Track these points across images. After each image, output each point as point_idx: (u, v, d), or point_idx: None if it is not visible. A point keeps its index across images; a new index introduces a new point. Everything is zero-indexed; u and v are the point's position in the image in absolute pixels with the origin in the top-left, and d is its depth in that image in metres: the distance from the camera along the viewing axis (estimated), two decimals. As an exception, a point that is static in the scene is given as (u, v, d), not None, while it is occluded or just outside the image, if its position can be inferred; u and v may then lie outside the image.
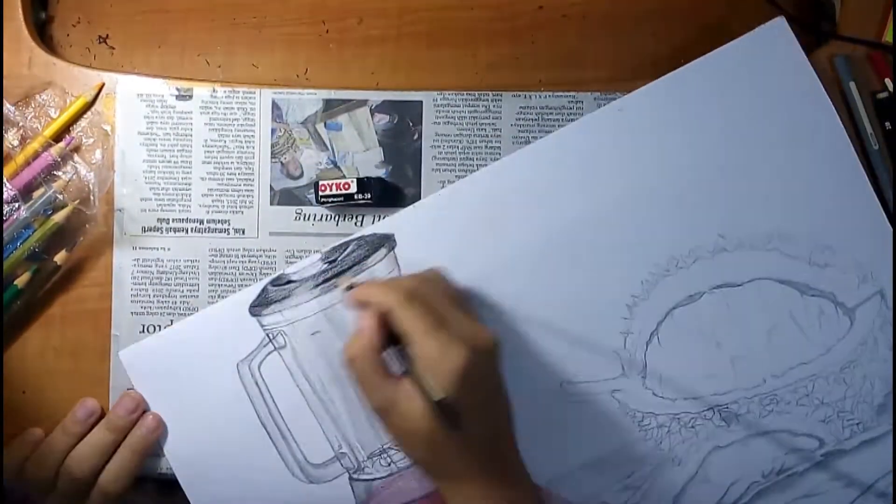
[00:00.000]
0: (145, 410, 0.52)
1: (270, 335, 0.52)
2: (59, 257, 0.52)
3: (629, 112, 0.52)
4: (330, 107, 0.53)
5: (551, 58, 0.55)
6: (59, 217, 0.51)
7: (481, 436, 0.43)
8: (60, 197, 0.51)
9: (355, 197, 0.51)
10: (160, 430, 0.52)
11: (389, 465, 0.52)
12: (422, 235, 0.52)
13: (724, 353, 0.52)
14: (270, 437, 0.52)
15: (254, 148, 0.53)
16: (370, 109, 0.53)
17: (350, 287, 0.47)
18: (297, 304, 0.51)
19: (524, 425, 0.51)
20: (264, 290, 0.52)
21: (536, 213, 0.52)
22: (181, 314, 0.53)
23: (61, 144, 0.52)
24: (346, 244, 0.52)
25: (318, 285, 0.51)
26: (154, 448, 0.52)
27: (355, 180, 0.51)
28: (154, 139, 0.53)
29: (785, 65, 0.52)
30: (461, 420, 0.41)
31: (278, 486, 0.52)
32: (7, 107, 0.52)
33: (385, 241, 0.52)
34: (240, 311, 0.52)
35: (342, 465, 0.52)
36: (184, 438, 0.52)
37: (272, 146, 0.53)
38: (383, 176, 0.53)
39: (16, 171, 0.51)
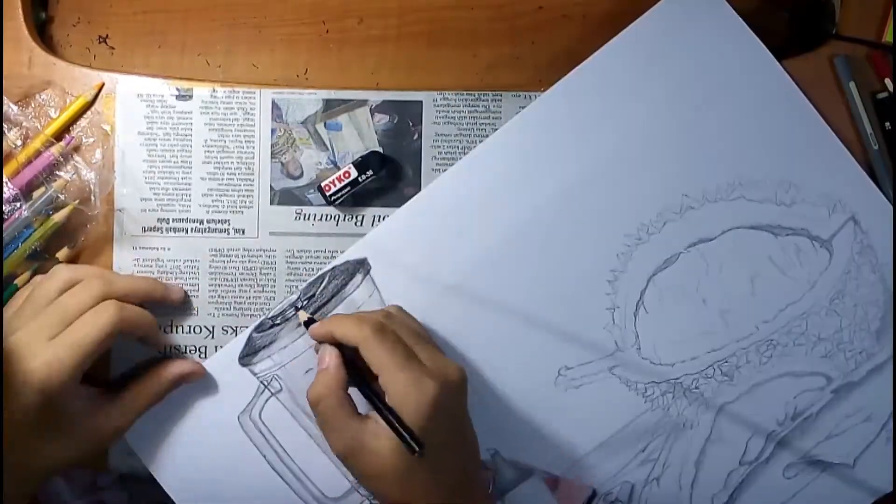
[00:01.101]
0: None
1: (265, 382, 0.52)
2: (61, 256, 0.52)
3: (574, 91, 0.52)
4: (330, 107, 0.54)
5: (551, 58, 0.55)
6: (59, 217, 0.51)
7: (451, 468, 0.43)
8: (61, 197, 0.51)
9: (360, 179, 0.51)
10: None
11: (406, 485, 0.52)
12: (395, 252, 0.52)
13: (711, 309, 0.52)
14: (285, 482, 0.52)
15: (254, 148, 0.54)
16: (370, 109, 0.54)
17: (309, 322, 0.47)
18: (284, 345, 0.52)
19: (529, 419, 0.52)
20: (249, 338, 0.52)
21: (502, 207, 0.52)
22: (181, 314, 0.53)
23: (62, 144, 0.52)
24: (322, 277, 0.53)
25: (300, 324, 0.52)
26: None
27: (351, 165, 0.51)
28: (154, 139, 0.54)
29: (711, 15, 0.52)
30: (430, 453, 0.41)
31: (302, 528, 0.52)
32: (9, 106, 0.52)
33: (359, 267, 0.52)
34: (230, 364, 0.52)
35: (360, 493, 0.52)
36: (198, 496, 0.52)
37: (272, 146, 0.54)
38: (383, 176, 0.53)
39: (17, 170, 0.51)
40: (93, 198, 0.52)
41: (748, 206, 0.52)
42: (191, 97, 0.54)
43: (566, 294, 0.52)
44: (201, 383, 0.52)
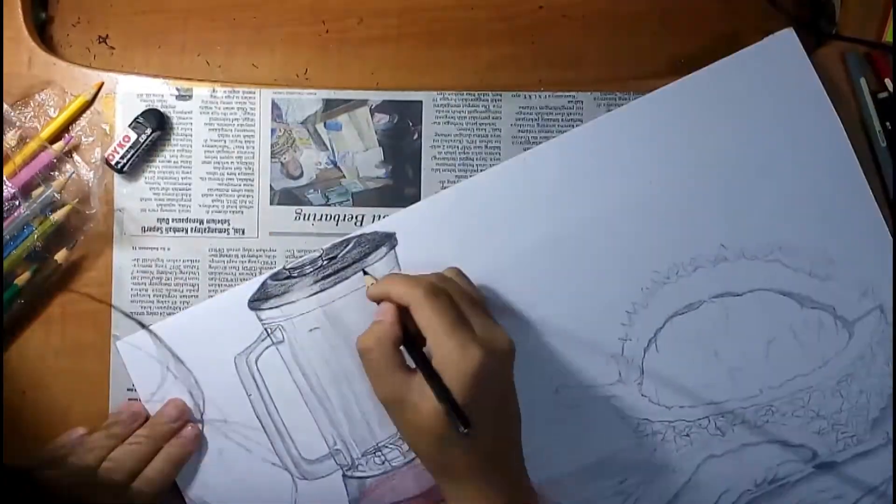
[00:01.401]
0: (188, 421, 0.51)
1: (269, 330, 0.52)
2: (60, 256, 0.51)
3: (635, 117, 0.52)
4: (330, 107, 0.53)
5: (551, 58, 0.54)
6: (58, 216, 0.51)
7: (489, 439, 0.43)
8: (58, 196, 0.51)
9: (141, 140, 0.51)
10: (198, 442, 0.51)
11: (383, 463, 0.52)
12: (423, 235, 0.52)
13: (722, 363, 0.52)
14: (265, 432, 0.52)
15: (254, 148, 0.53)
16: (370, 109, 0.53)
17: (372, 282, 0.47)
18: (296, 299, 0.51)
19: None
20: (264, 284, 0.52)
21: (538, 216, 0.52)
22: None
23: (60, 143, 0.52)
24: (348, 241, 0.52)
25: (317, 281, 0.51)
26: (189, 458, 0.51)
27: (128, 128, 0.51)
28: (154, 139, 0.53)
29: (792, 76, 0.51)
30: (471, 422, 0.41)
31: (271, 480, 0.52)
32: (5, 107, 0.52)
33: (386, 240, 0.52)
34: (239, 305, 0.52)
35: (336, 461, 0.52)
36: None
37: (272, 146, 0.53)
38: (382, 176, 0.53)
39: (14, 170, 0.51)
40: (91, 197, 0.51)
41: (782, 271, 0.51)
42: (191, 97, 0.53)
43: (583, 315, 0.52)
44: (207, 320, 0.52)
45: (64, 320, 0.53)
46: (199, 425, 0.52)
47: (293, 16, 0.55)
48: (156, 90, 0.53)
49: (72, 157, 0.52)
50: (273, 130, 0.53)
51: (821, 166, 0.51)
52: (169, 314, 0.53)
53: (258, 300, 0.52)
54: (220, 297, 0.52)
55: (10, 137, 0.51)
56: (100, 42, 0.55)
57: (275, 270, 0.52)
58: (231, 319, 0.52)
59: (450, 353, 0.42)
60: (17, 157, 0.51)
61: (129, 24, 0.55)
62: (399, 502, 0.52)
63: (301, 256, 0.53)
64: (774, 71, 0.51)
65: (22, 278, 0.51)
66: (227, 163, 0.53)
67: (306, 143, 0.53)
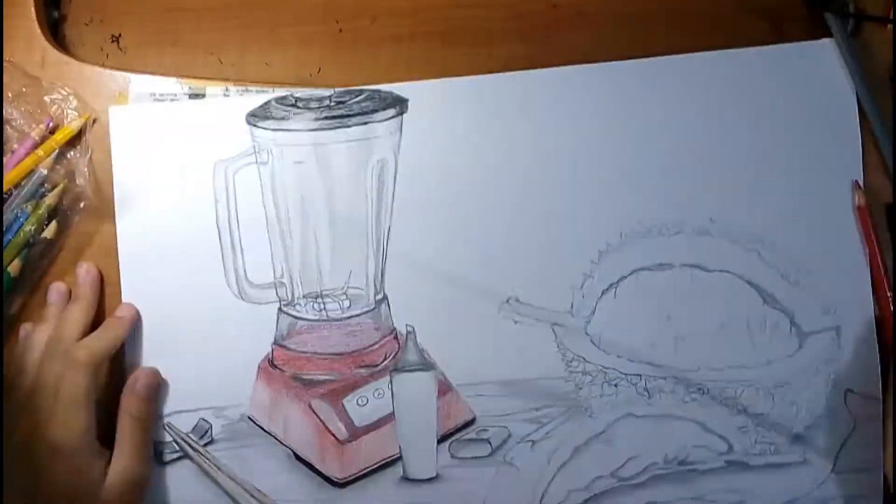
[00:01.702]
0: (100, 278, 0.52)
1: (257, 148, 0.52)
2: (49, 231, 0.52)
3: (667, 72, 0.52)
4: None
5: (566, 57, 0.54)
6: (51, 198, 0.52)
7: None
8: (45, 171, 0.51)
9: None
10: (133, 312, 0.52)
11: (321, 311, 0.52)
12: (435, 112, 0.52)
13: (671, 328, 0.52)
14: (220, 243, 0.52)
15: None
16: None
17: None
18: (293, 128, 0.52)
19: (458, 325, 0.52)
20: (267, 103, 0.52)
21: (549, 130, 0.52)
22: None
23: (41, 126, 0.52)
24: (361, 91, 0.53)
25: (319, 119, 0.52)
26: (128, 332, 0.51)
27: None
28: None
29: (825, 85, 0.52)
30: None
31: (210, 292, 0.52)
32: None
33: (398, 103, 0.52)
34: (237, 114, 0.52)
35: (277, 293, 0.52)
36: (140, 212, 0.52)
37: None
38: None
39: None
40: (77, 174, 0.52)
41: (757, 262, 0.52)
42: (203, 96, 0.53)
43: (557, 238, 0.52)
44: (202, 118, 0.52)
45: None
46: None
47: (306, 15, 0.55)
48: (168, 89, 0.53)
49: (54, 137, 0.52)
50: None
51: (827, 181, 0.52)
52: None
53: (257, 116, 0.52)
54: (222, 100, 0.52)
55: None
56: (112, 41, 0.55)
57: (282, 94, 0.52)
58: (225, 125, 0.52)
59: None
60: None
61: (141, 23, 0.55)
62: (323, 353, 0.52)
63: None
64: (809, 73, 0.52)
65: (14, 266, 0.51)
66: None
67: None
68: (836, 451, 0.52)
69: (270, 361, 0.52)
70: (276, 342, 0.52)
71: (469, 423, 0.52)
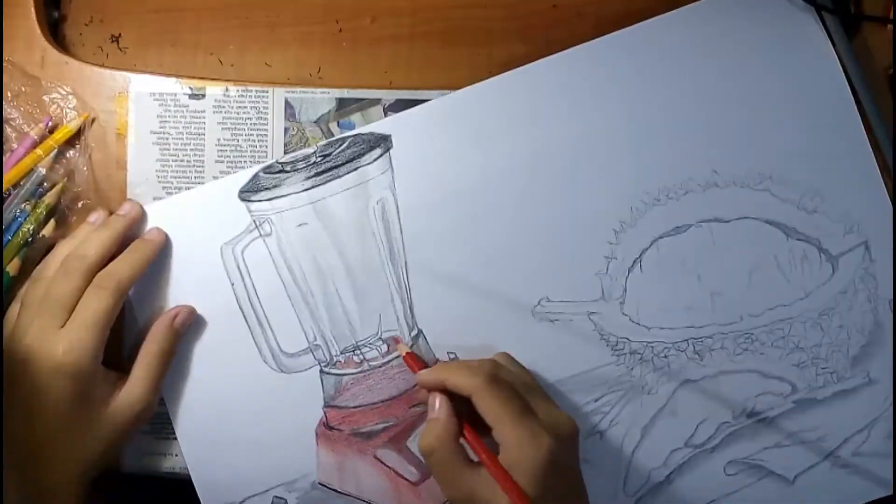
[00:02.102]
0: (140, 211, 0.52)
1: (257, 221, 0.52)
2: (48, 229, 0.52)
3: (637, 40, 0.52)
4: (343, 106, 0.54)
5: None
6: (50, 197, 0.52)
7: None
8: (44, 171, 0.51)
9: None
10: (163, 239, 0.51)
11: (361, 362, 0.52)
12: (419, 140, 0.52)
13: (704, 287, 0.52)
14: (247, 322, 0.52)
15: (267, 147, 0.54)
16: (383, 108, 0.53)
17: (411, 358, 0.48)
18: (286, 193, 0.52)
19: (497, 338, 0.52)
20: (256, 176, 0.52)
21: (535, 129, 0.52)
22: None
23: (40, 126, 0.52)
24: (343, 139, 0.53)
25: (309, 177, 0.52)
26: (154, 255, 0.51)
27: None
28: (167, 138, 0.54)
29: (796, 11, 0.52)
30: None
31: (249, 371, 0.52)
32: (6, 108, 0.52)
33: (382, 142, 0.52)
34: (230, 194, 0.52)
35: (314, 357, 0.52)
36: (160, 313, 0.52)
37: (285, 145, 0.53)
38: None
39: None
40: (77, 173, 0.52)
41: (771, 200, 0.52)
42: (204, 96, 0.53)
43: (571, 230, 0.52)
44: (196, 206, 0.52)
45: None
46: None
47: (306, 15, 0.55)
48: (169, 89, 0.54)
49: (53, 136, 0.52)
50: (286, 129, 0.54)
51: (818, 103, 0.52)
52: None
53: (249, 191, 0.52)
54: (211, 184, 0.52)
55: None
56: (112, 41, 0.55)
57: (268, 163, 0.52)
58: (221, 208, 0.52)
59: (519, 443, 0.41)
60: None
61: (141, 23, 0.55)
62: (374, 403, 0.52)
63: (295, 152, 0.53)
64: (777, 7, 0.52)
65: (13, 265, 0.51)
66: (241, 162, 0.54)
67: (319, 142, 0.53)
68: (898, 362, 0.52)
69: (326, 424, 0.52)
70: (326, 404, 0.52)
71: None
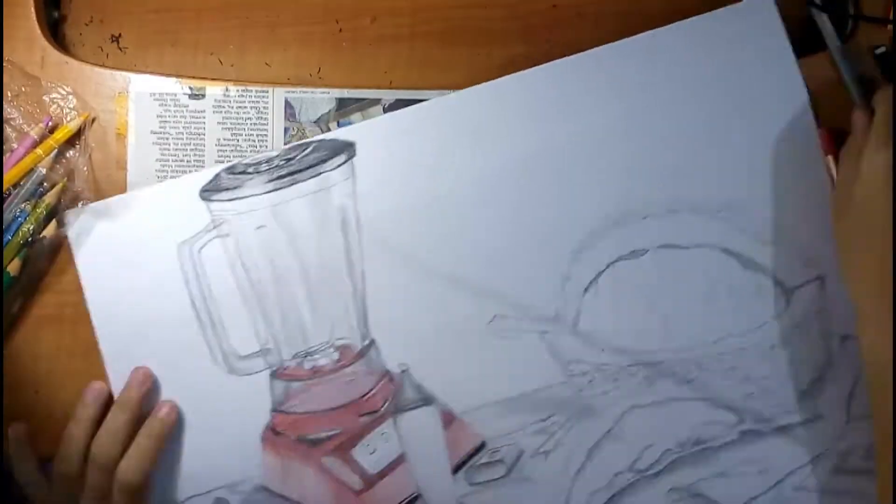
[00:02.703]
0: (153, 385, 0.52)
1: (216, 221, 0.52)
2: (49, 230, 0.51)
3: (603, 60, 0.52)
4: (343, 106, 0.54)
5: (566, 57, 0.53)
6: (50, 197, 0.52)
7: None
8: (44, 171, 0.51)
9: None
10: (175, 415, 0.51)
11: (312, 368, 0.52)
12: (382, 149, 0.52)
13: (657, 313, 0.52)
14: (199, 321, 0.52)
15: (267, 147, 0.54)
16: (383, 108, 0.54)
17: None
18: (247, 195, 0.52)
19: (449, 353, 0.52)
20: (218, 176, 0.52)
21: (499, 144, 0.52)
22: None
23: (41, 125, 0.52)
24: (307, 144, 0.53)
25: (271, 180, 0.52)
26: (171, 434, 0.51)
27: None
28: (167, 138, 0.54)
29: (764, 41, 0.52)
30: None
31: (199, 371, 0.52)
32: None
33: (346, 148, 0.52)
34: (190, 192, 0.52)
35: (265, 360, 0.52)
36: (114, 307, 0.52)
37: (285, 145, 0.54)
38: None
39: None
40: (77, 174, 0.52)
41: (729, 230, 0.52)
42: (203, 96, 0.54)
43: (529, 248, 0.52)
44: (157, 202, 0.52)
45: (76, 320, 0.52)
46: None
47: (306, 15, 0.55)
48: (168, 89, 0.54)
49: (53, 136, 0.52)
50: (286, 129, 0.54)
51: (781, 135, 0.52)
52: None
53: (210, 190, 0.52)
54: (172, 181, 0.52)
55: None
56: (112, 41, 0.55)
57: (230, 164, 0.52)
58: (181, 206, 0.52)
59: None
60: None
61: (141, 23, 0.55)
62: (322, 410, 0.52)
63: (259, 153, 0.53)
64: (747, 33, 0.52)
65: (13, 265, 0.51)
66: None
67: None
68: (847, 400, 0.52)
69: (272, 429, 0.52)
70: (274, 408, 0.52)
71: (479, 448, 0.52)
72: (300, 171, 0.52)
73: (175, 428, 0.51)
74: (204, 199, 0.52)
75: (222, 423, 0.52)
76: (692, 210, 0.52)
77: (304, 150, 0.52)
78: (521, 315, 0.52)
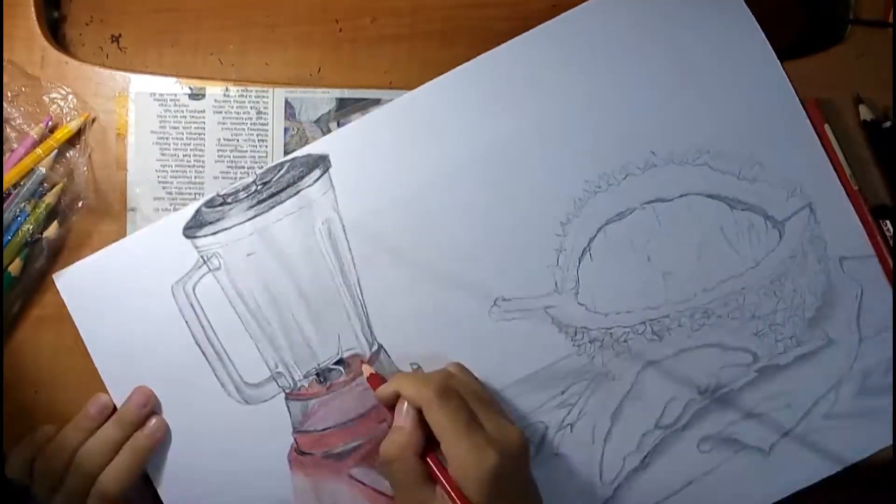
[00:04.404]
0: (154, 408, 0.52)
1: (205, 257, 0.52)
2: (49, 231, 0.51)
3: (563, 30, 0.52)
4: (343, 106, 0.54)
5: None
6: (50, 197, 0.51)
7: None
8: (44, 171, 0.51)
9: None
10: (163, 433, 0.51)
11: (325, 384, 0.52)
12: (356, 156, 0.52)
13: (655, 268, 0.52)
14: (206, 359, 0.52)
15: (267, 147, 0.54)
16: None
17: (373, 378, 0.48)
18: (231, 225, 0.52)
19: (457, 345, 0.52)
20: (198, 211, 0.52)
21: (469, 132, 0.52)
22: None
23: (41, 126, 0.52)
24: (281, 165, 0.53)
25: (252, 207, 0.52)
26: (155, 450, 0.51)
27: None
28: (167, 138, 0.54)
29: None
30: None
31: (215, 407, 0.52)
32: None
33: (320, 162, 0.52)
34: (174, 233, 0.52)
35: (278, 384, 0.52)
36: (119, 362, 0.52)
37: (285, 145, 0.54)
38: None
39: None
40: (77, 173, 0.52)
41: (711, 174, 0.52)
42: (203, 96, 0.54)
43: (517, 227, 0.52)
44: (143, 249, 0.52)
45: None
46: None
47: (306, 15, 0.55)
48: (169, 89, 0.54)
49: (53, 136, 0.52)
50: (286, 129, 0.54)
51: (746, 73, 0.52)
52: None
53: (193, 227, 0.52)
54: (153, 225, 0.52)
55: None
56: (112, 41, 0.55)
57: (208, 197, 0.52)
58: (166, 248, 0.52)
59: (465, 457, 0.42)
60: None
61: (141, 23, 0.55)
62: (343, 423, 0.52)
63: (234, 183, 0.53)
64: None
65: (14, 266, 0.51)
66: (241, 162, 0.54)
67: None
68: (856, 320, 0.52)
69: (297, 450, 0.52)
70: (295, 430, 0.52)
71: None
72: (279, 192, 0.52)
73: (163, 444, 0.51)
74: (188, 236, 0.52)
75: (247, 453, 0.52)
76: (671, 161, 0.52)
77: (279, 171, 0.52)
78: (521, 295, 0.52)
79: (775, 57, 0.52)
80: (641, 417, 0.52)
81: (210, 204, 0.52)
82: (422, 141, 0.52)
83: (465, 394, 0.45)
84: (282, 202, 0.52)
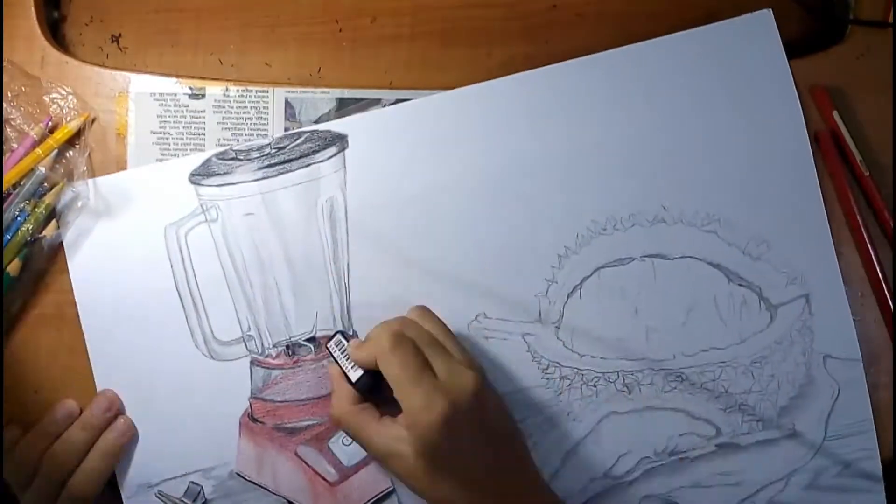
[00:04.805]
0: (119, 412, 0.52)
1: (205, 206, 0.52)
2: (48, 230, 0.51)
3: (601, 68, 0.52)
4: (343, 106, 0.54)
5: (565, 57, 0.53)
6: (50, 198, 0.52)
7: (477, 468, 0.43)
8: (44, 171, 0.51)
9: None
10: (131, 434, 0.51)
11: (293, 357, 0.52)
12: (374, 143, 0.52)
13: (640, 321, 0.52)
14: (182, 304, 0.52)
15: None
16: (383, 108, 0.53)
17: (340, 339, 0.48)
18: (237, 181, 0.52)
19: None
20: (208, 160, 0.52)
21: (491, 144, 0.52)
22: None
23: (41, 126, 0.52)
24: (300, 134, 0.53)
25: (261, 168, 0.52)
26: (124, 452, 0.51)
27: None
28: (167, 138, 0.54)
29: (762, 57, 0.52)
30: (451, 459, 0.42)
31: (179, 355, 0.52)
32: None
33: (338, 140, 0.52)
34: (180, 176, 0.52)
35: (247, 347, 0.52)
36: (98, 287, 0.52)
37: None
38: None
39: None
40: (76, 171, 0.52)
41: (717, 242, 0.52)
42: (203, 96, 0.53)
43: (516, 249, 0.52)
44: (147, 184, 0.52)
45: (76, 320, 0.52)
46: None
47: (306, 15, 0.55)
48: (169, 89, 0.54)
49: (53, 136, 0.52)
50: (286, 129, 0.54)
51: (774, 150, 0.52)
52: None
53: (199, 175, 0.52)
54: (163, 164, 0.52)
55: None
56: (112, 41, 0.55)
57: (222, 149, 0.52)
58: (170, 189, 0.52)
59: (414, 405, 0.42)
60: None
61: (141, 24, 0.55)
62: (301, 399, 0.52)
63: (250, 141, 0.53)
64: (746, 47, 0.52)
65: (13, 266, 0.51)
66: None
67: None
68: (826, 419, 0.52)
69: (250, 415, 0.52)
70: (252, 395, 0.52)
71: (456, 446, 0.52)
72: (291, 160, 0.52)
73: (129, 444, 0.51)
74: (193, 183, 0.52)
75: (200, 407, 0.52)
76: (680, 221, 0.52)
77: (296, 140, 0.52)
78: (504, 316, 0.52)
79: (808, 140, 0.52)
80: (592, 464, 0.52)
81: (222, 156, 0.52)
82: (442, 143, 0.52)
83: (418, 340, 0.45)
84: (291, 170, 0.52)
